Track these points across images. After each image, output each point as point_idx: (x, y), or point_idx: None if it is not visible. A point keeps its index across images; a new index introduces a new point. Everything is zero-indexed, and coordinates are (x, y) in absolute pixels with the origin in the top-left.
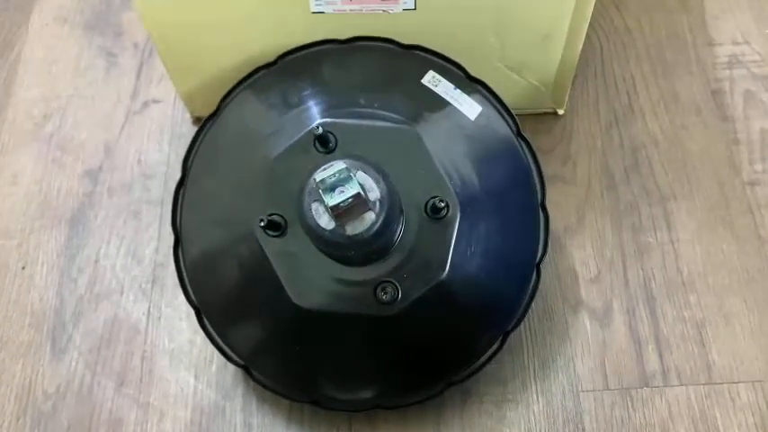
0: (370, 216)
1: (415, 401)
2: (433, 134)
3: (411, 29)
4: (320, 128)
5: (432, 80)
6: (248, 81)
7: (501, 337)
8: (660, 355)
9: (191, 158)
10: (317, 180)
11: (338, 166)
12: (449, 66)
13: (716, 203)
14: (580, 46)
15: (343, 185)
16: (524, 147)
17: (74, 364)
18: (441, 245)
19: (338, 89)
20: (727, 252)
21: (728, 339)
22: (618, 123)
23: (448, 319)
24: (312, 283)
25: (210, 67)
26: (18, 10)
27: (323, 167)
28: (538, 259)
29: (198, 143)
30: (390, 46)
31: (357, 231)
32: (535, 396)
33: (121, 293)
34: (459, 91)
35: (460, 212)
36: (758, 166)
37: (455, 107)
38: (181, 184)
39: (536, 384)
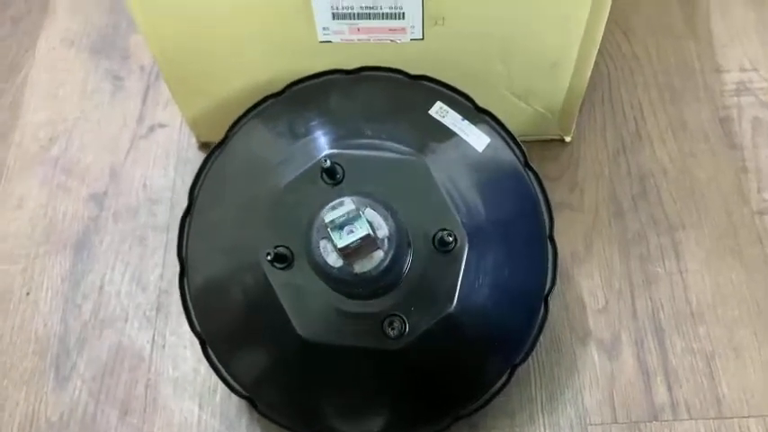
0: (378, 254)
1: None
2: (440, 165)
3: (419, 58)
4: (327, 161)
5: (439, 111)
6: (256, 110)
7: (509, 371)
8: (669, 388)
9: (197, 187)
10: (326, 221)
11: (347, 206)
12: (456, 96)
13: (724, 233)
14: (588, 74)
15: (353, 224)
16: (532, 177)
17: (77, 392)
18: (448, 277)
19: (345, 119)
20: (736, 283)
21: (738, 372)
22: (625, 150)
23: (455, 353)
24: (318, 315)
25: (217, 94)
26: (25, 33)
27: (331, 205)
28: (546, 292)
29: (205, 172)
30: (398, 76)
31: (365, 269)
32: (543, 429)
33: (126, 320)
34: (466, 122)
35: (468, 245)
36: (767, 195)
37: (463, 138)
38: (187, 212)
39: (544, 417)
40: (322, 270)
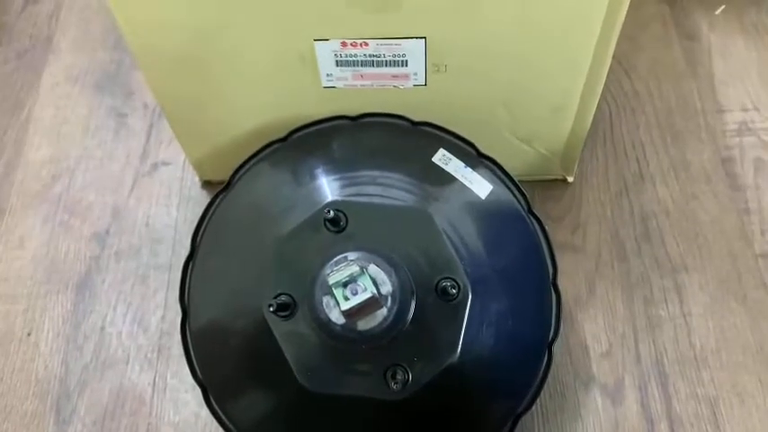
0: (381, 312)
1: None
2: (443, 213)
3: (422, 103)
4: (330, 211)
5: (442, 158)
6: (259, 156)
7: (512, 420)
8: None
9: (200, 232)
10: (330, 282)
11: (352, 268)
12: (459, 142)
13: (728, 276)
14: (591, 117)
15: (356, 282)
16: (535, 224)
17: None
18: (452, 327)
19: (349, 166)
20: (740, 327)
21: (743, 419)
22: (628, 191)
23: (458, 403)
24: (319, 365)
25: (220, 137)
26: (29, 69)
27: (335, 261)
28: (550, 340)
29: (208, 217)
30: (400, 122)
31: (368, 327)
32: None
33: (127, 363)
34: (469, 169)
35: (472, 294)
36: None
37: (466, 186)
38: (190, 258)
39: None
40: (325, 326)
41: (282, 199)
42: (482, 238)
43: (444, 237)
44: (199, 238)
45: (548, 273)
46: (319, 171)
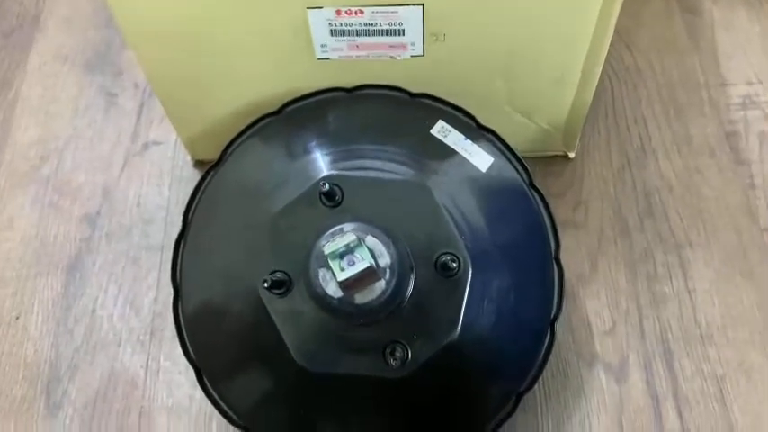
0: (380, 285)
1: None
2: (442, 187)
3: (419, 75)
4: (326, 184)
5: (441, 130)
6: (252, 130)
7: (514, 399)
8: (679, 414)
9: (192, 210)
10: (326, 252)
11: (348, 237)
12: (458, 114)
13: (733, 252)
14: (593, 90)
15: (353, 254)
16: (537, 198)
17: (68, 420)
18: (452, 303)
19: (344, 139)
20: (746, 303)
21: (750, 396)
22: (630, 166)
23: (459, 381)
24: (316, 343)
25: (212, 113)
26: (17, 48)
27: (331, 233)
28: (552, 317)
29: (200, 194)
30: (398, 94)
31: (366, 300)
32: None
33: (119, 345)
34: (469, 141)
35: (472, 269)
36: None
37: (465, 158)
38: (181, 236)
39: None
40: (321, 300)
41: (276, 174)
42: (483, 213)
43: (444, 211)
44: (190, 216)
45: (550, 248)
46: (314, 145)
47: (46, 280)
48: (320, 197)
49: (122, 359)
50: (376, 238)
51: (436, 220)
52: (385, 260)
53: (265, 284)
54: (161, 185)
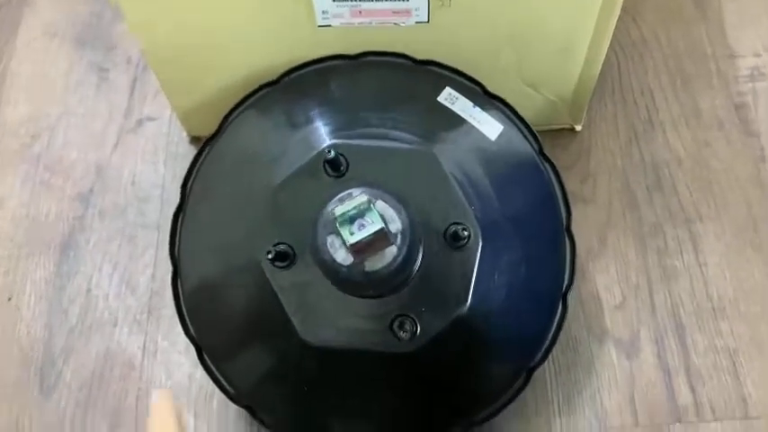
0: (391, 250)
1: None
2: (451, 155)
3: (423, 43)
4: (332, 151)
5: (449, 97)
6: (250, 100)
7: (526, 374)
8: (692, 388)
9: (189, 183)
10: (337, 215)
11: (359, 199)
12: (466, 82)
13: (744, 225)
14: (601, 59)
15: (364, 218)
16: (548, 168)
17: (63, 403)
18: (462, 275)
19: (348, 108)
20: (757, 277)
21: (764, 370)
22: (638, 139)
23: (469, 356)
24: (322, 317)
25: (209, 86)
26: (5, 24)
27: (340, 198)
28: (564, 289)
29: (197, 166)
30: (403, 61)
31: (376, 267)
32: None
33: (115, 325)
34: (478, 109)
35: (482, 240)
36: None
37: (474, 126)
38: (179, 210)
39: (561, 421)
40: (329, 268)
41: (276, 144)
42: (492, 182)
43: (452, 180)
44: (188, 189)
45: (561, 219)
46: (315, 114)
47: (38, 259)
48: (324, 166)
49: (119, 340)
50: (386, 202)
51: (445, 189)
52: (396, 225)
53: (269, 256)
54: (156, 162)
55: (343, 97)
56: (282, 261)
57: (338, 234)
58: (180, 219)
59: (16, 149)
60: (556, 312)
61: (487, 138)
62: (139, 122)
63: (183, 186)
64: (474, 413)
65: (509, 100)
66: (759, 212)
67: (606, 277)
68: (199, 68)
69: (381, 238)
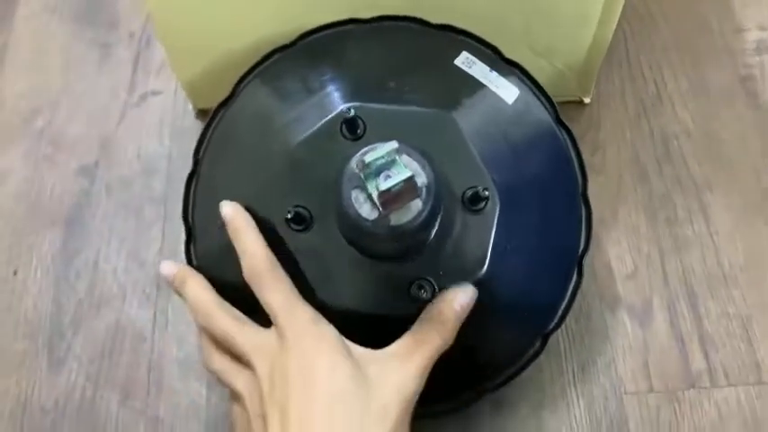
0: (416, 204)
1: (449, 410)
2: (468, 119)
3: (432, 8)
4: (351, 110)
5: (466, 61)
6: (264, 65)
7: (541, 339)
8: (705, 354)
9: (203, 147)
10: (366, 162)
11: (389, 145)
12: (482, 47)
13: (753, 195)
14: (613, 28)
15: (390, 169)
16: (564, 134)
17: (73, 375)
18: (479, 239)
19: (364, 72)
20: (767, 245)
21: None
22: (647, 113)
23: (485, 321)
24: (340, 280)
25: (217, 53)
26: (3, 0)
27: (369, 149)
28: (580, 254)
29: (211, 130)
30: (418, 26)
31: (402, 222)
32: (576, 401)
33: (124, 299)
34: (495, 73)
35: (500, 204)
36: None
37: (492, 90)
38: (192, 174)
39: (576, 389)
40: (353, 225)
41: (291, 108)
42: (509, 146)
43: (470, 144)
44: (201, 154)
45: (578, 185)
46: (331, 78)
47: (44, 234)
48: (341, 128)
49: (128, 313)
50: (410, 156)
51: (463, 153)
52: (422, 179)
53: (288, 215)
54: (161, 136)
55: (359, 61)
56: (299, 224)
57: (363, 188)
58: (193, 183)
59: (17, 124)
60: (572, 277)
61: (505, 102)
62: (143, 97)
63: (196, 150)
64: (489, 379)
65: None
66: (767, 182)
67: (618, 247)
68: (207, 34)
69: (410, 188)
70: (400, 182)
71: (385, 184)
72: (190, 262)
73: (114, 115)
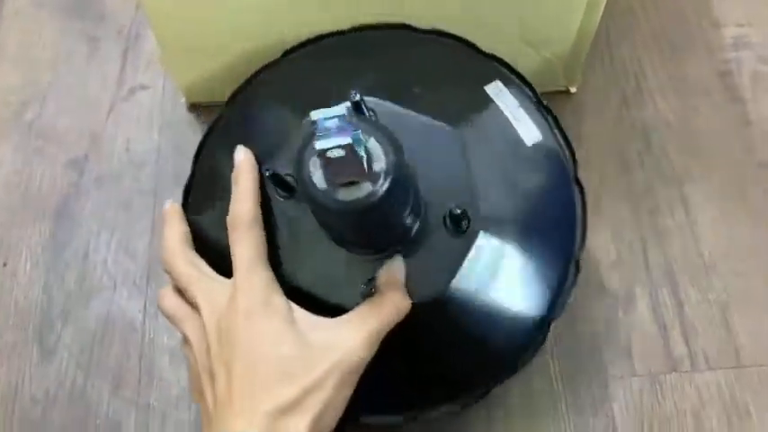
0: (366, 186)
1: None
2: (479, 144)
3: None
4: (357, 95)
5: (495, 90)
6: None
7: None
8: (687, 340)
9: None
10: (312, 119)
11: (339, 108)
12: (520, 83)
13: (732, 185)
14: (599, 14)
15: (336, 136)
16: (576, 192)
17: (64, 365)
18: (452, 258)
19: (394, 73)
20: (747, 234)
21: (755, 322)
22: (628, 106)
23: (447, 339)
24: (306, 258)
25: (210, 46)
26: None
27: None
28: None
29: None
30: (466, 48)
31: (348, 198)
32: (560, 386)
33: (114, 289)
34: (522, 111)
35: (484, 231)
36: None
37: (512, 125)
38: (217, 120)
39: (561, 375)
40: (308, 192)
41: (316, 92)
42: (514, 184)
43: (472, 166)
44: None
45: (574, 244)
46: (360, 72)
47: (34, 226)
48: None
49: (119, 303)
50: (378, 142)
51: (461, 172)
52: (380, 165)
53: (267, 173)
54: (150, 130)
55: (393, 63)
56: (284, 190)
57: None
58: (214, 131)
59: (7, 117)
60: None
61: (522, 141)
62: (132, 91)
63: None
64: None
65: (505, 58)
66: (746, 173)
67: (601, 236)
68: (200, 27)
69: (353, 159)
70: (337, 146)
71: (321, 143)
72: (185, 207)
73: (103, 108)
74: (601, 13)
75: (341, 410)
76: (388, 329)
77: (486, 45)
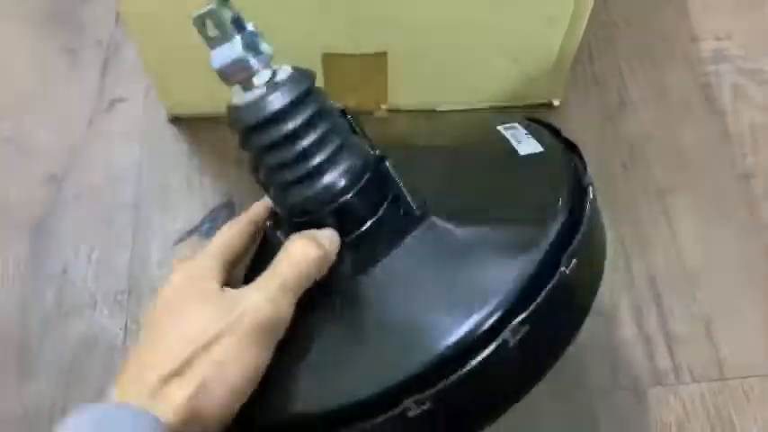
0: (261, 91)
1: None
2: (468, 155)
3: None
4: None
5: (505, 128)
6: None
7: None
8: (671, 353)
9: None
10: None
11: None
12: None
13: (713, 197)
14: (582, 30)
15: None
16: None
17: (44, 385)
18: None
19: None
20: (728, 246)
21: (737, 334)
22: (611, 118)
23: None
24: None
25: (192, 59)
26: None
27: None
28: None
29: None
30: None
31: (238, 102)
32: (546, 399)
33: (94, 307)
34: (526, 134)
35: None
36: (750, 159)
37: (510, 141)
38: None
39: (546, 386)
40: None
41: None
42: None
43: (454, 173)
44: None
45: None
46: None
47: (9, 243)
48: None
49: (99, 321)
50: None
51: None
52: (282, 75)
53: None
54: (131, 143)
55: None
56: None
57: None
58: None
59: None
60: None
61: (516, 151)
62: (112, 104)
63: None
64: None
65: (490, 76)
66: (726, 185)
67: None
68: (181, 40)
69: (241, 64)
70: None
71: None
72: None
73: (83, 121)
74: (583, 29)
75: (239, 382)
76: (300, 283)
77: (468, 60)
